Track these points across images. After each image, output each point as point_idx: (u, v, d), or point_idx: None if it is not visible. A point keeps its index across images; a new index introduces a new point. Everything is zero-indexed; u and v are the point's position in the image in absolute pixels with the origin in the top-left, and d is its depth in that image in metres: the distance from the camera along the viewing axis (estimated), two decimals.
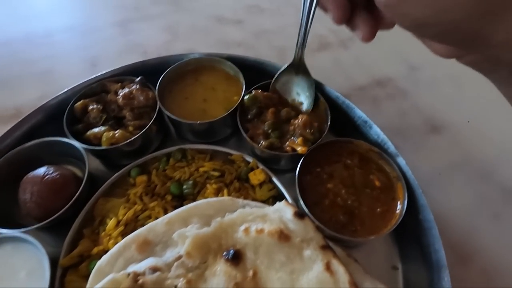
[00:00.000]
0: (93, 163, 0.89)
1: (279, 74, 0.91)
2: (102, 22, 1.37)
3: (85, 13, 1.44)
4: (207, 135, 0.92)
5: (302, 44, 0.82)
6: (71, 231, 0.74)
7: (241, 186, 0.82)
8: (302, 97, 0.91)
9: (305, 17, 0.72)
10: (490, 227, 0.84)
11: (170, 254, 0.67)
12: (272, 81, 0.92)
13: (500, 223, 0.85)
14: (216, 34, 1.33)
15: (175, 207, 0.75)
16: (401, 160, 0.79)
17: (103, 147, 0.80)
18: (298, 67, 0.88)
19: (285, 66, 0.90)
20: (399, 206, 0.75)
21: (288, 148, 0.82)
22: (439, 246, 0.66)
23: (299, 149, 0.79)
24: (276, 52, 1.26)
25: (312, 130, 0.84)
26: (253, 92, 0.90)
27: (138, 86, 0.91)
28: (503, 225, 0.85)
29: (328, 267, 0.65)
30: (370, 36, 0.51)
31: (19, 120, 0.87)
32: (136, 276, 0.61)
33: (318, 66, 0.95)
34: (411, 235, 0.74)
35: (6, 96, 1.10)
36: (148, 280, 0.61)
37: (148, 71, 0.98)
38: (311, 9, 0.69)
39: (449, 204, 0.86)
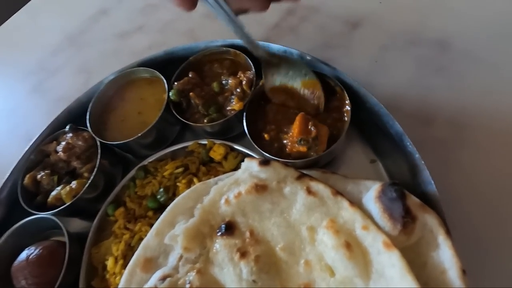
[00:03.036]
0: (73, 223, 0.89)
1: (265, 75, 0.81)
2: (18, 92, 1.34)
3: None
4: (158, 142, 0.92)
5: (248, 39, 0.73)
6: None
7: (208, 168, 0.84)
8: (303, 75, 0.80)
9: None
10: (438, 81, 0.86)
11: (172, 258, 0.69)
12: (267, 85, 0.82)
13: (445, 73, 0.88)
14: (125, 49, 1.30)
15: None
16: (335, 71, 0.80)
17: (67, 204, 0.80)
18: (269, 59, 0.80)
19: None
20: (346, 108, 0.76)
21: (229, 113, 0.83)
22: (392, 120, 0.68)
23: (237, 107, 0.80)
24: (186, 36, 1.24)
25: (243, 87, 0.85)
26: (174, 86, 0.89)
27: (71, 134, 0.90)
28: (449, 74, 0.88)
29: (309, 191, 0.67)
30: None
31: None
32: None
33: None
34: (371, 125, 0.76)
35: None
36: None
37: (74, 116, 0.97)
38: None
39: (395, 81, 0.89)
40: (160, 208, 0.81)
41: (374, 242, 0.56)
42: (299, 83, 0.79)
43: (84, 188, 0.81)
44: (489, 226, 0.65)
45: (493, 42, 0.91)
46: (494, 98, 0.83)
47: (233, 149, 0.85)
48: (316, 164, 0.75)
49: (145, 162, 0.89)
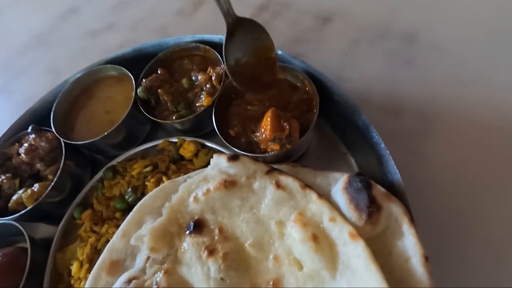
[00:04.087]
0: (38, 229, 0.85)
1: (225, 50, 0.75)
2: None
3: None
4: (127, 141, 0.89)
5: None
6: None
7: (179, 167, 0.82)
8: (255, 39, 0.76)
9: None
10: (406, 74, 0.88)
11: (139, 260, 0.67)
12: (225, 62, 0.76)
13: (413, 66, 0.89)
14: (96, 48, 1.26)
15: None
16: (305, 65, 0.79)
17: (28, 208, 0.76)
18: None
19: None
20: (315, 101, 0.75)
21: (199, 109, 0.81)
22: (359, 111, 0.68)
23: (205, 102, 0.78)
24: (159, 33, 1.21)
25: (213, 82, 0.83)
26: (142, 83, 0.87)
27: (34, 136, 0.86)
28: (416, 67, 0.89)
29: (278, 185, 0.66)
30: None
31: None
32: None
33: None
34: (340, 118, 0.76)
35: None
36: None
37: (39, 117, 0.93)
38: None
39: (364, 75, 0.89)
40: (129, 209, 0.78)
41: (341, 234, 0.55)
42: (251, 51, 0.75)
43: (47, 191, 0.77)
44: (451, 214, 0.67)
45: (459, 35, 0.93)
46: (460, 90, 0.84)
47: (204, 146, 0.83)
48: (287, 158, 0.75)
49: (114, 162, 0.86)
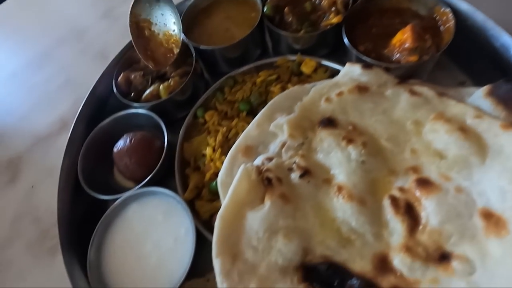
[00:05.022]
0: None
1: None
2: (88, 16, 1.37)
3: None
4: (240, 59, 0.94)
5: None
6: (176, 175, 0.79)
7: (298, 80, 0.87)
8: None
9: None
10: None
11: (273, 147, 0.73)
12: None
13: None
14: None
15: None
16: None
17: (163, 99, 0.85)
18: None
19: None
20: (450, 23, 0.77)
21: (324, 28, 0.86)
22: (499, 31, 0.71)
23: (335, 20, 0.83)
24: None
25: (337, 6, 0.88)
26: (268, 0, 0.93)
27: None
28: None
29: (413, 93, 0.71)
30: None
31: (77, 114, 0.91)
32: (258, 168, 0.67)
33: None
34: (467, 43, 0.77)
35: (44, 113, 1.13)
36: (269, 166, 0.67)
37: None
38: None
39: None
40: (252, 111, 0.85)
41: (490, 127, 0.59)
42: None
43: (181, 86, 0.85)
44: None
45: None
46: None
47: (321, 66, 0.88)
48: (415, 72, 0.78)
49: (233, 73, 0.92)
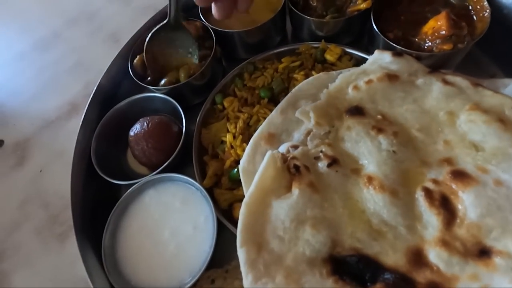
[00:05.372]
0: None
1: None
2: (101, 0, 1.33)
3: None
4: (259, 44, 0.91)
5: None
6: (194, 162, 0.77)
7: (322, 68, 0.84)
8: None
9: None
10: None
11: (297, 135, 0.70)
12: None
13: None
14: None
15: None
16: None
17: (182, 82, 0.82)
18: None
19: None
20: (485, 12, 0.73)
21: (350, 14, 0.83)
22: None
23: (363, 5, 0.80)
24: None
25: None
26: None
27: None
28: None
29: (446, 82, 0.68)
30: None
31: (91, 96, 0.87)
32: (283, 156, 0.64)
33: None
34: (502, 34, 0.75)
35: (53, 96, 1.09)
36: (295, 154, 0.64)
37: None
38: None
39: None
40: (273, 99, 0.82)
41: None
42: None
43: (202, 69, 0.82)
44: None
45: None
46: None
47: (346, 53, 0.85)
48: (445, 62, 0.75)
49: (253, 59, 0.89)
